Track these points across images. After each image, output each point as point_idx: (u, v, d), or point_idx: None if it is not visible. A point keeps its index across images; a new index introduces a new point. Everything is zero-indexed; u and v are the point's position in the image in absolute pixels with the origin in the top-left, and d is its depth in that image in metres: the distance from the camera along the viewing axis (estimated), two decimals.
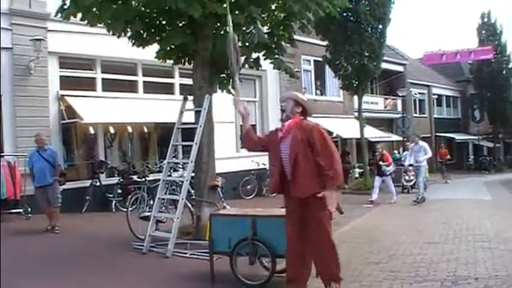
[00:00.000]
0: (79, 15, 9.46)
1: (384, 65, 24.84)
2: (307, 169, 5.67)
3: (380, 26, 21.94)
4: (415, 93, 38.55)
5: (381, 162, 17.89)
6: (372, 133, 27.59)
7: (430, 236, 10.42)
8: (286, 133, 5.86)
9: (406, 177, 22.12)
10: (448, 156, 31.52)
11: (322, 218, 5.76)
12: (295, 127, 5.84)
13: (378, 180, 18.00)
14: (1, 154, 13.31)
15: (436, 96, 42.57)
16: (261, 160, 17.38)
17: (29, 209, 12.77)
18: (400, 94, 32.22)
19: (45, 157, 11.31)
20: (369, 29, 21.54)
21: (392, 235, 10.69)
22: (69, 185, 14.59)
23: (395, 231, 11.21)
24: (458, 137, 44.05)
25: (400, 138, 31.09)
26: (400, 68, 36.14)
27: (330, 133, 25.03)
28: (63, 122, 15.03)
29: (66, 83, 15.17)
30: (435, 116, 42.58)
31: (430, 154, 17.31)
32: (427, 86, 41.47)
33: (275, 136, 6.03)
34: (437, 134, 41.93)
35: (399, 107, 35.01)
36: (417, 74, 40.59)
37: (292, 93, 6.39)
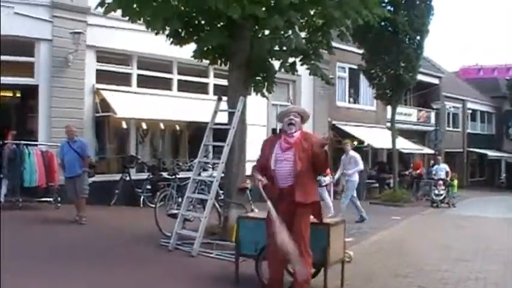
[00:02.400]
0: (119, 10, 9.54)
1: (419, 77, 24.57)
2: (306, 177, 6.00)
3: (418, 37, 21.69)
4: (449, 107, 38.05)
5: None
6: (404, 144, 27.30)
7: (459, 252, 10.24)
8: (292, 145, 6.03)
9: (436, 191, 21.88)
10: (420, 171, 27.77)
11: (306, 223, 6.05)
12: (301, 137, 6.09)
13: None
14: (35, 143, 13.49)
15: (470, 111, 42.01)
16: None
17: (59, 199, 12.91)
18: (434, 107, 31.84)
19: (74, 148, 11.38)
20: (407, 39, 21.28)
21: (420, 249, 10.54)
22: (99, 178, 14.73)
23: (423, 245, 11.06)
24: (491, 153, 43.31)
25: (432, 152, 30.69)
26: (436, 81, 35.72)
27: (361, 142, 24.95)
28: (97, 115, 15.18)
29: (102, 76, 15.33)
30: (469, 131, 41.95)
31: (361, 167, 14.72)
32: (462, 100, 40.87)
33: (272, 144, 6.19)
34: (470, 149, 41.31)
35: (432, 120, 34.56)
36: (452, 87, 40.06)
37: (300, 108, 6.67)
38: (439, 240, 11.97)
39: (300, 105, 20.91)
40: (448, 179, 22.94)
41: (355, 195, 14.75)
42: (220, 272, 7.56)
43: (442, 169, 23.35)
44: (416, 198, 23.50)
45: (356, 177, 14.58)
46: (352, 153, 14.83)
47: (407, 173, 26.32)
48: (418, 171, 27.39)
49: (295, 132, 6.08)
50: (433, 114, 34.51)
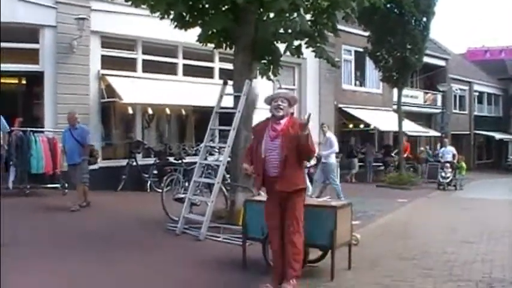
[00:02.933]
0: None
1: (426, 59, 24.39)
2: (294, 165, 5.96)
3: (424, 19, 21.51)
4: (456, 89, 37.85)
5: None
6: (410, 127, 27.23)
7: (464, 235, 10.23)
8: (279, 132, 6.00)
9: (443, 174, 21.85)
10: (407, 153, 25.68)
11: (298, 208, 5.98)
12: (288, 124, 6.02)
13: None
14: (42, 130, 13.53)
15: (477, 93, 41.77)
16: None
17: (66, 185, 12.96)
18: (440, 89, 31.72)
19: (75, 136, 11.33)
20: (413, 21, 21.13)
21: (426, 232, 10.54)
22: (106, 163, 14.88)
23: (429, 228, 11.04)
24: (498, 135, 43.15)
25: (439, 134, 30.61)
26: (442, 63, 35.52)
27: (368, 125, 24.91)
28: (103, 100, 15.19)
29: (107, 62, 15.33)
30: (475, 113, 41.74)
31: (335, 149, 14.33)
32: (469, 82, 40.63)
33: (262, 131, 6.14)
34: (476, 131, 41.17)
35: (439, 102, 34.44)
36: (459, 69, 39.83)
37: (288, 93, 6.47)
38: (445, 222, 11.96)
39: (306, 89, 20.97)
40: (455, 161, 22.92)
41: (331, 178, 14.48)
42: (228, 256, 7.59)
43: (448, 152, 23.32)
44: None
45: (333, 159, 14.47)
46: (328, 134, 14.73)
47: (393, 154, 25.37)
48: (405, 154, 25.17)
49: (282, 117, 6.03)
50: (439, 97, 34.39)
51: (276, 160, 5.93)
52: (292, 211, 5.94)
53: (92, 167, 14.20)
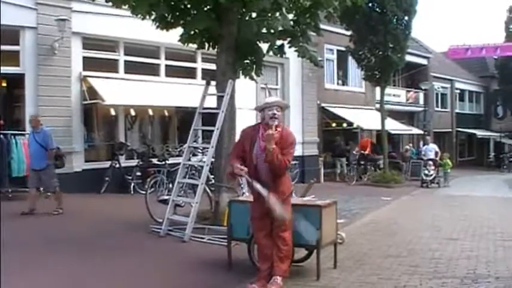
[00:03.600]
0: None
1: (408, 58, 24.54)
2: (279, 177, 6.00)
3: (406, 18, 21.61)
4: (438, 87, 38.13)
5: None
6: (393, 125, 27.36)
7: (449, 232, 10.31)
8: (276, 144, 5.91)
9: (426, 172, 22.02)
10: (368, 151, 24.14)
11: (285, 205, 5.98)
12: (280, 137, 5.95)
13: None
14: (23, 133, 13.38)
15: (458, 91, 42.12)
16: None
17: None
18: (422, 87, 31.88)
19: (37, 140, 10.89)
20: (394, 20, 21.22)
21: (411, 229, 10.58)
22: (88, 166, 14.77)
23: (414, 226, 11.09)
24: (480, 133, 43.53)
25: (421, 132, 30.79)
26: (424, 61, 35.75)
27: (350, 124, 24.97)
28: (85, 102, 15.03)
29: (89, 64, 15.18)
30: (457, 110, 42.10)
31: None
32: (450, 80, 40.97)
33: (252, 138, 6.10)
34: (458, 129, 41.50)
35: (421, 101, 34.65)
36: (441, 67, 40.11)
37: (282, 101, 6.49)
38: (429, 220, 12.03)
39: (289, 88, 20.96)
40: (438, 158, 23.08)
41: None
42: (213, 257, 7.55)
43: (431, 149, 23.49)
44: (350, 178, 22.30)
45: None
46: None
47: (354, 152, 24.33)
48: (366, 151, 23.98)
49: (276, 126, 5.97)
50: (421, 95, 34.61)
51: (266, 169, 5.94)
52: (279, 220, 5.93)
53: (75, 169, 14.19)
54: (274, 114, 5.97)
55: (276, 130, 5.89)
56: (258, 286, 5.87)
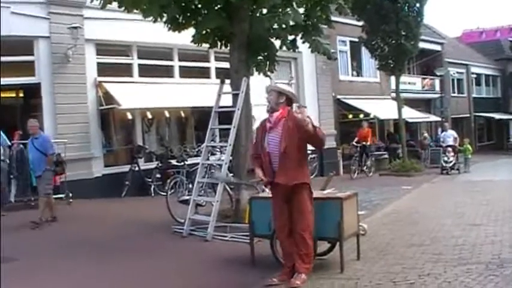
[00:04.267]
0: (116, 2, 9.50)
1: (421, 45, 24.36)
2: (295, 159, 6.00)
3: (417, 5, 21.45)
4: (453, 73, 37.79)
5: None
6: (410, 114, 27.17)
7: (472, 217, 10.24)
8: (275, 124, 6.08)
9: (445, 158, 21.87)
10: (370, 142, 21.65)
11: (304, 201, 6.03)
12: (285, 117, 6.04)
13: None
14: None
15: (475, 76, 41.70)
16: None
17: (70, 194, 12.95)
18: (437, 74, 31.68)
19: (36, 146, 10.68)
20: (406, 7, 21.08)
21: (433, 217, 10.52)
22: (108, 170, 14.90)
23: (436, 213, 11.04)
24: (498, 116, 43.14)
25: (439, 119, 30.59)
26: (438, 47, 35.46)
27: (367, 115, 24.87)
28: (101, 108, 15.15)
29: (104, 69, 15.30)
30: (474, 95, 41.68)
31: None
32: (466, 65, 40.60)
33: (262, 127, 6.28)
34: (476, 113, 41.14)
35: (437, 87, 34.42)
36: (455, 53, 39.80)
37: (275, 85, 6.54)
38: (451, 207, 11.95)
39: (303, 82, 20.93)
40: (457, 144, 22.93)
41: None
42: (236, 254, 7.59)
43: (449, 135, 23.34)
44: (353, 172, 20.15)
45: None
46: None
47: (354, 143, 21.58)
48: (367, 142, 21.44)
49: (272, 109, 6.13)
50: (437, 81, 34.37)
51: (276, 152, 6.01)
52: (298, 207, 5.99)
53: (95, 174, 14.31)
54: (266, 98, 6.19)
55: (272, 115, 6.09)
56: (278, 280, 5.97)
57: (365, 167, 20.92)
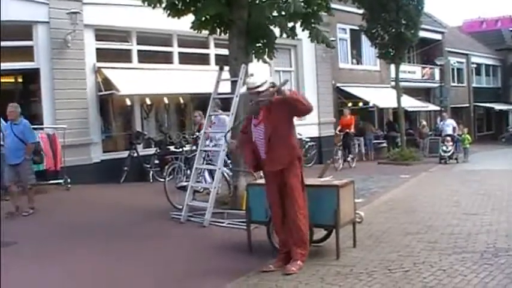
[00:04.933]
0: None
1: (422, 33, 24.33)
2: (280, 144, 6.08)
3: None
4: (454, 62, 37.74)
5: (198, 133, 12.27)
6: (409, 103, 27.19)
7: (468, 207, 10.27)
8: (261, 118, 6.20)
9: (444, 148, 21.88)
10: (351, 128, 19.91)
11: (294, 187, 6.08)
12: (267, 110, 6.14)
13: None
14: (41, 127, 13.52)
15: (475, 65, 41.65)
16: (297, 130, 17.33)
17: (69, 180, 12.97)
18: (438, 63, 31.64)
19: (15, 132, 10.07)
20: None
21: (430, 206, 10.56)
22: (107, 156, 14.93)
23: (433, 202, 11.07)
24: (498, 106, 43.12)
25: (438, 108, 30.59)
26: (438, 36, 35.39)
27: (366, 102, 24.87)
28: (100, 94, 15.13)
29: (103, 55, 15.28)
30: (474, 85, 41.67)
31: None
32: (466, 54, 40.53)
33: (248, 119, 6.48)
34: (476, 103, 41.12)
35: (437, 76, 34.37)
36: (456, 42, 39.72)
37: (253, 84, 6.30)
38: (448, 196, 11.99)
39: (303, 70, 20.89)
40: (456, 134, 22.95)
41: None
42: (233, 240, 7.63)
43: (448, 125, 23.36)
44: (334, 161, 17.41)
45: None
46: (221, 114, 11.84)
47: (337, 132, 20.31)
48: (350, 129, 19.82)
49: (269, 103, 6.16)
50: (437, 71, 34.33)
51: (263, 144, 6.14)
52: (290, 191, 6.07)
53: (94, 160, 14.33)
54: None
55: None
56: (274, 266, 6.04)
57: (349, 157, 19.35)
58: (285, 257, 6.14)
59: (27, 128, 10.28)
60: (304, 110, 6.12)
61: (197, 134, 12.52)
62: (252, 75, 9.05)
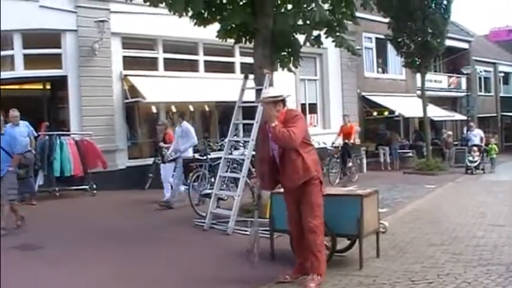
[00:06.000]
0: None
1: (448, 42, 24.14)
2: (290, 164, 5.89)
3: (444, 2, 21.27)
4: (481, 71, 37.29)
5: (162, 144, 12.80)
6: (435, 112, 26.89)
7: (494, 218, 10.15)
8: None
9: (470, 158, 21.62)
10: (353, 140, 18.22)
11: (314, 205, 5.91)
12: (280, 123, 5.90)
13: (164, 169, 12.69)
14: (68, 133, 13.71)
15: (502, 74, 41.11)
16: (321, 139, 17.33)
17: (94, 186, 13.12)
18: (464, 72, 31.32)
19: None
20: (433, 4, 20.91)
21: (455, 216, 10.46)
22: (132, 163, 15.06)
23: (458, 213, 10.96)
24: None
25: (464, 118, 30.26)
26: (465, 45, 35.04)
27: (392, 112, 24.72)
28: (127, 101, 15.31)
29: (129, 63, 15.46)
30: (501, 94, 41.11)
31: (194, 141, 12.08)
32: (493, 63, 40.02)
33: (263, 132, 6.31)
34: (503, 113, 40.58)
35: (463, 85, 33.99)
36: (483, 51, 39.26)
37: (266, 97, 6.16)
38: (473, 206, 11.86)
39: (328, 78, 20.79)
40: (483, 144, 22.68)
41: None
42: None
43: (476, 135, 23.09)
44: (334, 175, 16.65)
45: (189, 154, 12.05)
46: (185, 124, 12.31)
47: (336, 144, 17.85)
48: (349, 139, 17.82)
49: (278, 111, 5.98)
50: (464, 80, 33.95)
51: (277, 157, 6.03)
52: (307, 205, 5.91)
53: (119, 166, 14.47)
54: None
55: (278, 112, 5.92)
56: (291, 277, 6.04)
57: (348, 170, 17.51)
58: (301, 268, 6.11)
59: (12, 138, 9.40)
60: (282, 144, 5.87)
61: (161, 144, 12.61)
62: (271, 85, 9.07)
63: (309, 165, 5.87)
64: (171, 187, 12.09)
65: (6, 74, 14.31)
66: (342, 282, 5.95)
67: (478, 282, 5.81)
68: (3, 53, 14.08)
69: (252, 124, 9.57)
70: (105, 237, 8.70)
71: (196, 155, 14.95)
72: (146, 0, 9.74)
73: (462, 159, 22.66)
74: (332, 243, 6.48)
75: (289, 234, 6.74)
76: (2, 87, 15.28)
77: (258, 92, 9.81)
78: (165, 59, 16.30)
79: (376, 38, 25.80)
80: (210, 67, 17.35)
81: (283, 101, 6.05)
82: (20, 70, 14.07)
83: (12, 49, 14.09)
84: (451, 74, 34.05)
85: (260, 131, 6.53)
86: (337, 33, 10.59)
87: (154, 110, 16.37)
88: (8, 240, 8.28)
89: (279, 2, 10.07)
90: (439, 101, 29.58)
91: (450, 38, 25.86)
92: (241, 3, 9.90)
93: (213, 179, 10.45)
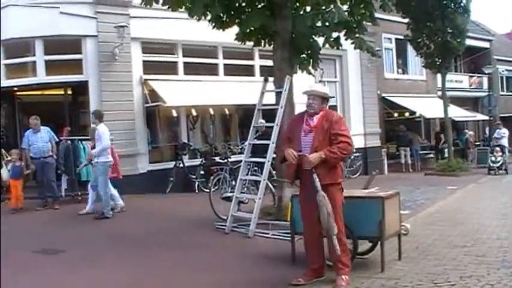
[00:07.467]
0: (160, 0, 9.66)
1: (469, 42, 23.89)
2: (321, 163, 5.87)
3: (464, 1, 21.09)
4: (502, 70, 36.84)
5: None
6: (457, 112, 26.64)
7: None
8: (315, 127, 6.05)
9: (493, 158, 21.39)
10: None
11: (333, 197, 5.92)
12: (322, 119, 6.05)
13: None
14: (89, 138, 13.80)
15: None
16: None
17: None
18: (486, 71, 30.99)
19: None
20: (452, 4, 20.74)
21: (477, 218, 10.37)
22: (153, 167, 15.15)
23: (481, 214, 10.86)
24: None
25: (486, 118, 29.96)
26: (486, 44, 34.66)
27: (413, 113, 24.55)
28: (147, 105, 15.39)
29: (149, 67, 15.54)
30: None
31: (105, 145, 10.93)
32: None
33: (298, 124, 6.24)
34: None
35: (485, 85, 33.57)
36: (504, 49, 38.77)
37: (318, 90, 6.32)
38: (496, 208, 11.74)
39: (348, 80, 20.77)
40: (506, 144, 22.46)
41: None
42: (277, 251, 7.64)
43: (504, 133, 22.93)
44: None
45: (106, 158, 11.06)
46: (100, 126, 11.24)
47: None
48: None
49: (314, 114, 6.09)
50: (485, 79, 33.55)
51: (309, 152, 5.96)
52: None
53: (140, 170, 14.55)
54: (310, 103, 6.13)
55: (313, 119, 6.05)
56: (304, 280, 6.02)
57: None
58: (314, 271, 6.11)
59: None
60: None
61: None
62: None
63: (338, 169, 6.08)
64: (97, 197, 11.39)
65: (28, 80, 14.57)
66: (363, 284, 5.93)
67: (501, 285, 5.75)
68: (24, 59, 14.34)
69: (272, 127, 9.55)
70: (128, 241, 8.76)
71: (217, 158, 15.08)
72: (164, 4, 9.80)
73: (485, 159, 22.45)
74: (354, 246, 6.45)
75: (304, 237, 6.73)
76: (24, 93, 15.60)
77: (278, 94, 9.83)
78: (184, 63, 16.36)
79: (396, 39, 25.65)
80: (230, 70, 17.39)
81: (328, 101, 6.27)
82: (41, 76, 14.30)
83: (34, 55, 14.32)
84: (472, 74, 33.73)
85: (291, 123, 6.59)
86: (357, 35, 10.58)
87: (174, 113, 16.45)
88: (30, 244, 8.39)
89: (298, 4, 10.06)
90: (460, 101, 29.29)
91: (470, 37, 25.62)
92: (259, 6, 9.92)
93: (234, 182, 10.46)
